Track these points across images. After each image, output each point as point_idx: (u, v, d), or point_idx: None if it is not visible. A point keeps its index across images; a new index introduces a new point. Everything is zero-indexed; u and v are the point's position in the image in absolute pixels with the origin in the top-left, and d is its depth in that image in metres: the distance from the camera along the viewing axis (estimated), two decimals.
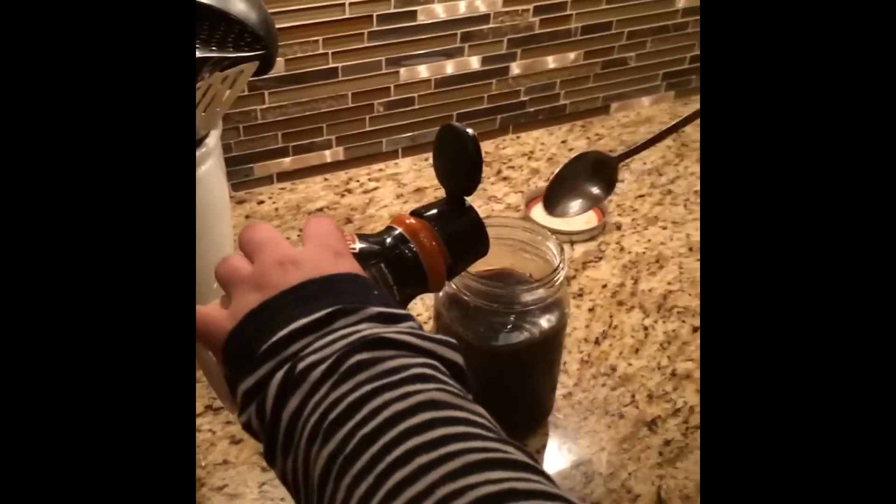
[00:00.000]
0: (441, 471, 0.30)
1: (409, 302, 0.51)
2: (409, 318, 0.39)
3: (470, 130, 0.49)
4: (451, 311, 0.61)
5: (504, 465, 0.31)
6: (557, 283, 0.59)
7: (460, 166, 0.51)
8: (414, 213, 0.51)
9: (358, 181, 0.96)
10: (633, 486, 0.65)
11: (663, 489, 0.64)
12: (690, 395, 0.72)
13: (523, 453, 0.32)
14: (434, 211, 0.51)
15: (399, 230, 0.50)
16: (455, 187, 0.52)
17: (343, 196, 0.94)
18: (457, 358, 0.38)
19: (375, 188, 0.95)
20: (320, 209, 0.92)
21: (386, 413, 0.32)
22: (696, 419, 0.70)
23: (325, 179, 0.96)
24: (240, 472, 0.64)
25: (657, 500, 0.64)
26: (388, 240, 0.49)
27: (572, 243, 0.88)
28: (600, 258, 0.87)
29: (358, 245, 0.49)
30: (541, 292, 0.59)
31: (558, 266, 0.59)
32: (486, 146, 1.04)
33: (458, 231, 0.51)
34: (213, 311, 0.40)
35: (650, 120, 1.10)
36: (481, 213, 0.52)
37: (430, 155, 1.02)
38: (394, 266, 0.49)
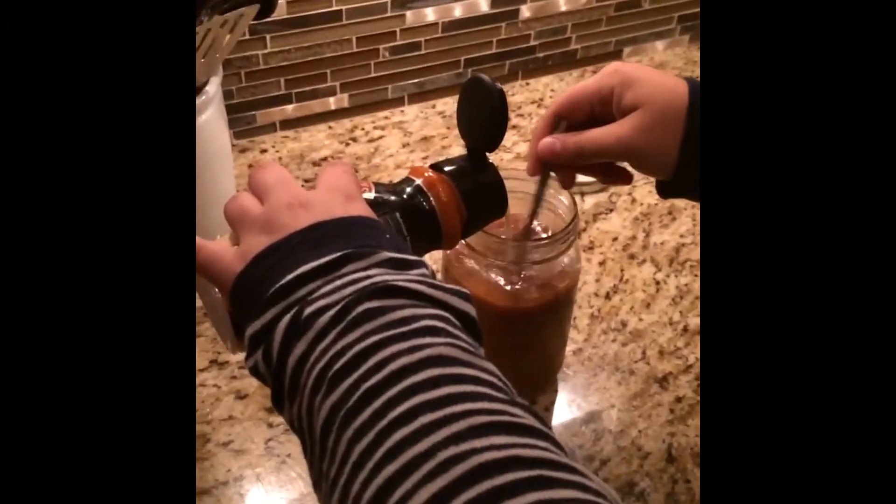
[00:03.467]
0: (445, 432, 0.28)
1: (421, 257, 0.50)
2: (421, 264, 0.38)
3: (498, 84, 0.47)
4: (460, 266, 0.60)
5: (510, 429, 0.29)
6: (570, 238, 0.57)
7: (484, 121, 0.49)
8: (434, 167, 0.49)
9: (363, 129, 0.94)
10: (643, 443, 0.64)
11: (674, 447, 0.64)
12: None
13: (532, 415, 0.31)
14: (454, 166, 0.49)
15: (417, 181, 0.48)
16: (477, 142, 0.50)
17: (347, 145, 0.92)
18: (469, 309, 0.37)
19: (381, 137, 0.93)
20: (324, 159, 0.89)
21: (392, 366, 0.31)
22: None
23: (330, 128, 0.94)
24: (245, 427, 0.63)
25: (668, 457, 0.63)
26: (406, 190, 0.48)
27: (582, 195, 0.86)
28: (611, 210, 0.85)
29: (373, 193, 0.47)
30: (553, 248, 0.57)
31: (572, 221, 0.57)
32: None
33: (478, 189, 0.49)
34: (220, 248, 0.39)
35: (664, 65, 1.07)
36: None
37: (437, 102, 1.00)
38: (408, 217, 0.47)
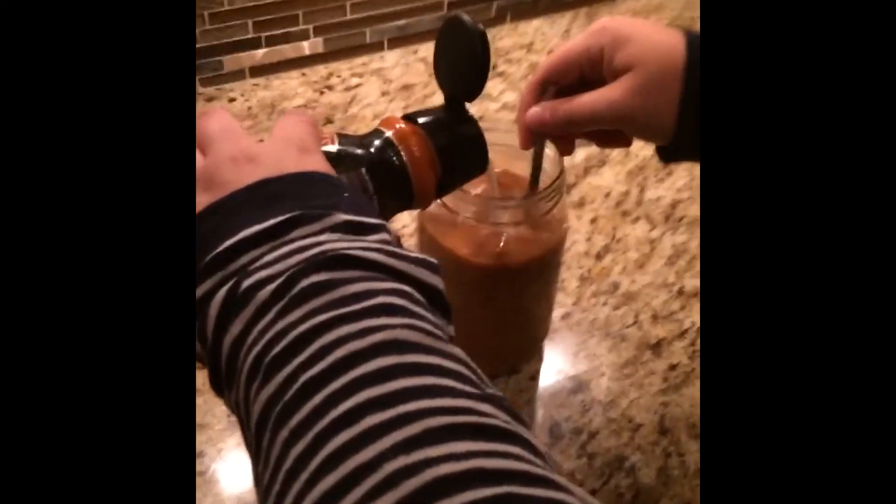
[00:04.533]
0: (395, 437, 0.24)
1: (390, 217, 0.45)
2: (382, 228, 0.33)
3: (479, 26, 0.42)
4: (437, 225, 0.54)
5: (475, 433, 0.25)
6: (556, 196, 0.52)
7: (463, 67, 0.44)
8: (407, 118, 0.44)
9: (339, 76, 0.88)
10: (634, 414, 0.60)
11: (667, 418, 0.60)
12: (698, 315, 0.66)
13: (504, 411, 0.26)
14: (430, 117, 0.44)
15: (387, 133, 0.43)
16: (456, 91, 0.45)
17: (322, 93, 0.86)
18: (436, 282, 0.32)
19: (358, 84, 0.87)
20: (298, 108, 0.83)
21: (338, 353, 0.26)
22: None
23: (303, 74, 0.88)
24: (206, 400, 0.59)
25: (660, 429, 0.59)
26: (374, 142, 0.43)
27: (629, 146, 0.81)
28: (604, 163, 0.80)
29: (336, 146, 0.42)
30: (538, 206, 0.52)
31: (557, 177, 0.52)
32: None
33: (455, 143, 0.44)
34: None
35: (661, 7, 1.00)
36: (473, 113, 0.45)
37: (419, 47, 0.94)
38: (376, 173, 0.42)
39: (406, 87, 0.87)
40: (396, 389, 0.25)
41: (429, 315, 0.30)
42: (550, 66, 0.47)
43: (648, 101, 0.43)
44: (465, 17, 0.43)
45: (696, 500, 0.55)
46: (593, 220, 0.74)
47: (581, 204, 0.75)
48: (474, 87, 0.44)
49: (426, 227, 0.55)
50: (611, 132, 0.48)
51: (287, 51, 0.87)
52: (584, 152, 0.80)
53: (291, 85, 0.86)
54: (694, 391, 0.61)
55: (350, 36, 0.88)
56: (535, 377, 0.62)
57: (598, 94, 0.44)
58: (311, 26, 0.86)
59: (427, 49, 0.92)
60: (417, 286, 0.31)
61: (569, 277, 0.69)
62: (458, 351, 0.29)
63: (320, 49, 0.88)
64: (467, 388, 0.27)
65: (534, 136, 0.48)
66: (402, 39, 0.92)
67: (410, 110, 0.46)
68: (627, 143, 0.49)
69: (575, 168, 0.79)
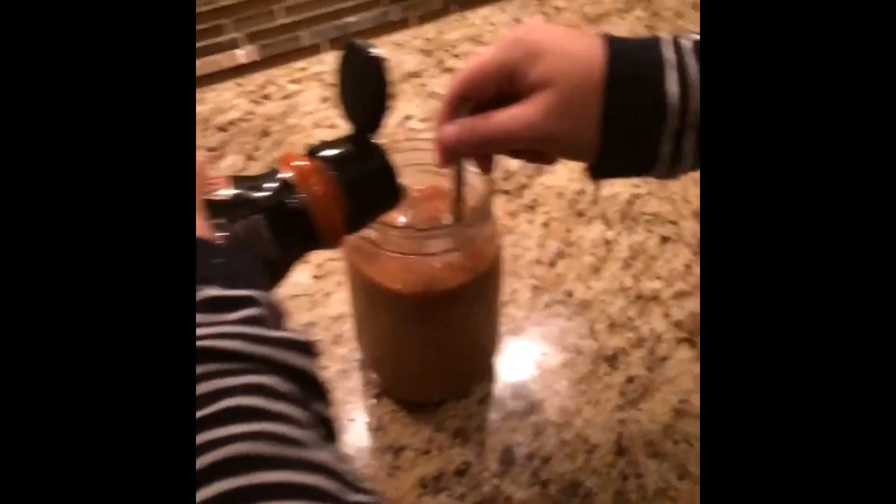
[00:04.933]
0: None
1: (297, 260, 0.41)
2: (249, 302, 0.29)
3: (377, 51, 0.38)
4: (361, 255, 0.51)
5: None
6: (484, 219, 0.49)
7: (365, 95, 0.40)
8: (310, 152, 0.41)
9: (276, 84, 0.84)
10: (589, 434, 0.56)
11: (624, 436, 0.56)
12: (657, 321, 0.63)
13: None
14: (334, 151, 0.41)
15: (286, 174, 0.39)
16: (359, 121, 0.41)
17: (259, 104, 0.82)
18: (304, 364, 0.29)
19: (297, 91, 0.83)
20: (233, 122, 0.79)
21: None
22: (663, 349, 0.61)
23: (238, 85, 0.84)
24: None
25: (617, 449, 0.56)
26: (271, 185, 0.39)
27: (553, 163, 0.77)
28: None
29: (229, 191, 0.39)
30: (465, 232, 0.48)
31: (485, 200, 0.48)
32: (427, 30, 0.90)
33: (361, 178, 0.41)
34: None
35: None
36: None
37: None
38: (275, 217, 0.39)
39: None
40: None
41: (291, 411, 0.27)
42: (464, 80, 0.43)
43: (567, 120, 0.40)
44: (362, 43, 0.39)
45: None
46: (546, 224, 0.70)
47: (532, 207, 0.72)
48: (375, 118, 0.41)
49: (350, 258, 0.52)
50: (533, 150, 0.45)
51: (222, 60, 0.83)
52: None
53: (226, 97, 0.82)
54: (652, 405, 0.58)
55: (286, 41, 0.84)
56: (484, 400, 0.59)
57: (515, 112, 0.40)
58: (241, 34, 0.81)
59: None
60: (283, 373, 0.28)
61: (521, 288, 0.65)
62: (321, 455, 0.25)
63: (256, 56, 0.84)
64: None
65: (452, 156, 0.44)
66: (342, 39, 0.87)
67: None
68: (552, 160, 0.45)
69: (526, 168, 0.75)
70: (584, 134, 0.39)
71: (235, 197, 0.38)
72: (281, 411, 0.26)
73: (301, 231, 0.40)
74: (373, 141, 0.42)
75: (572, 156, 0.42)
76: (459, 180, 0.46)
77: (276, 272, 0.40)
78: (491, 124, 0.41)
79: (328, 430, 0.29)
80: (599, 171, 0.42)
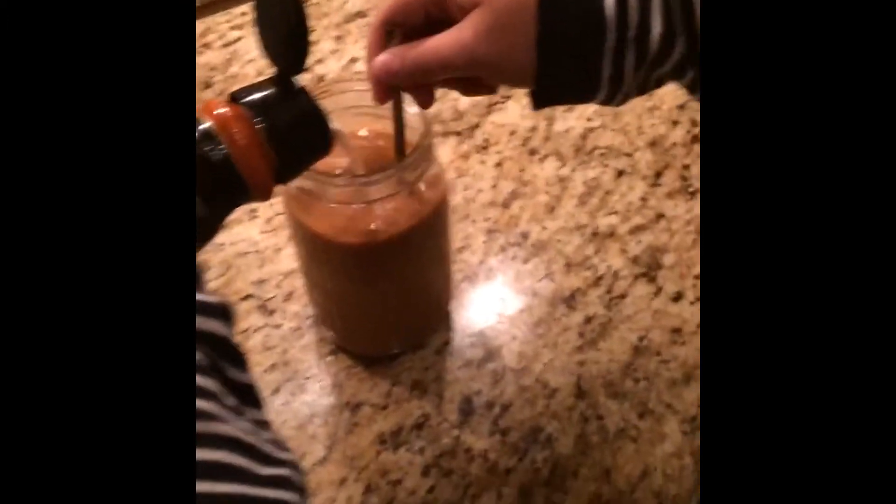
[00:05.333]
0: None
1: (226, 216, 0.39)
2: None
3: None
4: (300, 206, 0.49)
5: None
6: (425, 160, 0.47)
7: (282, 36, 0.38)
8: (232, 97, 0.38)
9: (216, 32, 0.80)
10: (548, 379, 0.56)
11: (583, 378, 0.56)
12: (613, 258, 0.62)
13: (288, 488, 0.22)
14: (256, 95, 0.38)
15: (206, 124, 0.37)
16: (279, 63, 0.39)
17: (199, 54, 0.78)
18: (214, 328, 0.27)
19: (238, 39, 0.79)
20: None
21: None
22: (620, 286, 0.60)
23: None
24: None
25: (577, 392, 0.55)
26: None
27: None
28: (508, 97, 0.74)
29: None
30: (403, 176, 0.47)
31: (420, 143, 0.46)
32: None
33: (287, 123, 0.39)
34: None
35: None
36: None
37: None
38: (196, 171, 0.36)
39: None
40: None
41: (198, 379, 0.25)
42: (391, 7, 0.40)
43: (501, 41, 0.38)
44: None
45: (615, 464, 0.52)
46: (499, 164, 0.68)
47: (485, 147, 0.70)
48: (296, 60, 0.38)
49: (290, 208, 0.50)
50: (471, 78, 0.43)
51: None
52: None
53: None
54: (611, 344, 0.57)
55: None
56: (441, 350, 0.58)
57: (447, 36, 0.38)
58: None
59: None
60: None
61: (474, 232, 0.64)
62: (227, 428, 0.24)
63: (195, 2, 0.80)
64: (218, 488, 0.22)
65: (388, 90, 0.42)
66: None
67: None
68: (491, 89, 0.43)
69: (477, 107, 0.73)
70: (519, 56, 0.37)
71: None
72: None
73: (226, 184, 0.37)
74: (297, 84, 0.39)
75: (509, 80, 0.40)
76: (398, 116, 0.44)
77: (203, 229, 0.38)
78: (422, 50, 0.39)
79: (245, 395, 0.28)
80: (541, 97, 0.40)
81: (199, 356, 0.26)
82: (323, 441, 0.53)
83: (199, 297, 0.27)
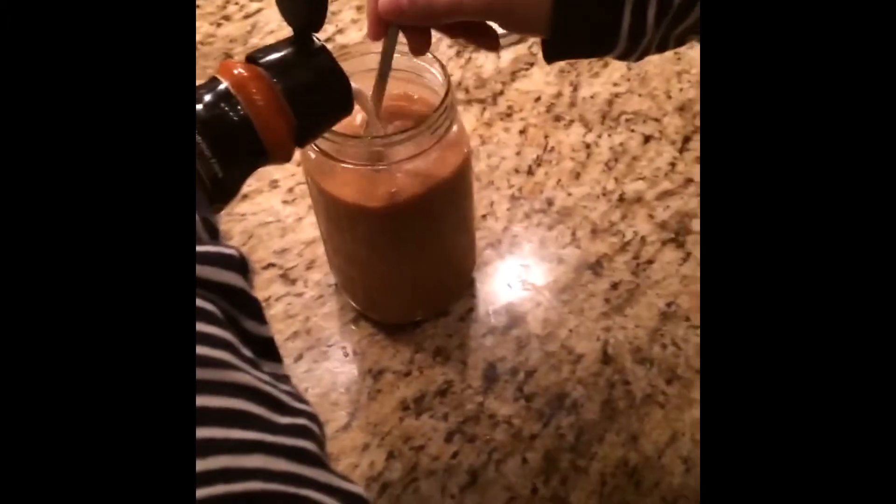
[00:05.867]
0: None
1: (245, 177, 0.39)
2: None
3: None
4: (319, 171, 0.48)
5: None
6: (445, 122, 0.46)
7: None
8: (249, 58, 0.38)
9: (237, 3, 0.80)
10: (574, 345, 0.55)
11: (610, 344, 0.55)
12: (641, 223, 0.61)
13: (291, 457, 0.21)
14: (274, 55, 0.38)
15: (223, 83, 0.37)
16: (298, 20, 0.38)
17: (219, 25, 0.78)
18: (230, 279, 0.26)
19: (259, 10, 0.79)
20: None
21: None
22: (647, 252, 0.59)
23: (198, 7, 0.79)
24: None
25: (603, 357, 0.54)
26: (207, 97, 0.36)
27: (497, 50, 0.73)
28: (532, 64, 0.72)
29: None
30: (424, 139, 0.46)
31: (443, 103, 0.45)
32: None
33: (305, 82, 0.38)
34: None
35: None
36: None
37: None
38: (212, 132, 0.36)
39: None
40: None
41: (212, 330, 0.24)
42: None
43: None
44: None
45: (643, 430, 0.51)
46: (523, 131, 0.67)
47: (509, 114, 0.68)
48: (316, 16, 0.38)
49: (311, 174, 0.49)
50: (476, 26, 0.41)
51: None
52: (510, 54, 0.73)
53: None
54: (638, 310, 0.56)
55: None
56: (465, 317, 0.57)
57: None
58: None
59: None
60: (205, 289, 0.26)
61: (498, 200, 0.63)
62: (245, 377, 0.23)
63: None
64: (234, 434, 0.21)
65: (386, 28, 0.41)
66: None
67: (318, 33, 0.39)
68: (494, 45, 0.42)
69: (501, 74, 0.71)
70: (534, 1, 0.36)
71: None
72: (199, 331, 0.24)
73: (244, 145, 0.37)
74: (316, 42, 0.39)
75: (522, 27, 0.39)
76: (387, 56, 0.43)
77: (222, 191, 0.38)
78: None
79: (263, 349, 0.27)
80: (554, 47, 0.39)
81: (214, 307, 0.25)
82: (346, 408, 0.53)
83: (214, 247, 0.27)
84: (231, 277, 0.26)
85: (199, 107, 0.36)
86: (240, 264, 0.27)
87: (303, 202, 0.63)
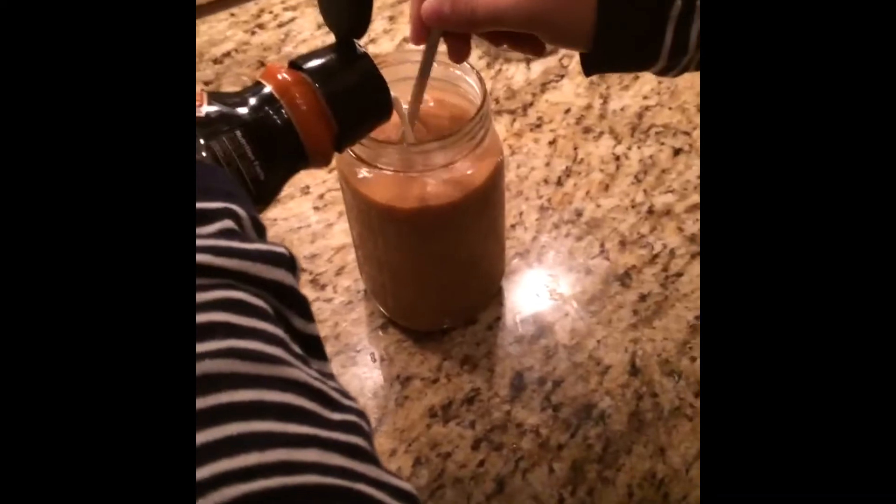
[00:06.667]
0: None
1: (286, 181, 0.39)
2: (223, 214, 0.27)
3: None
4: (355, 175, 0.49)
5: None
6: (481, 132, 0.46)
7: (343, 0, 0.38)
8: (292, 64, 0.38)
9: (271, 12, 0.81)
10: (602, 356, 0.55)
11: (638, 355, 0.55)
12: (670, 236, 0.61)
13: (342, 452, 0.22)
14: (317, 61, 0.38)
15: (267, 87, 0.37)
16: (341, 27, 0.39)
17: (254, 34, 0.79)
18: (279, 276, 0.27)
19: (292, 20, 0.80)
20: (227, 54, 0.77)
21: None
22: (676, 265, 0.59)
23: (232, 15, 0.81)
24: None
25: (631, 369, 0.54)
26: (252, 100, 0.37)
27: (528, 61, 0.73)
28: (562, 76, 0.73)
29: (206, 108, 0.37)
30: (459, 147, 0.46)
31: (479, 111, 0.45)
32: None
33: (346, 88, 0.38)
34: None
35: None
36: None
37: None
38: (255, 135, 0.37)
39: None
40: (201, 443, 0.21)
41: (264, 326, 0.25)
42: None
43: (561, 1, 0.37)
44: None
45: (671, 442, 0.50)
46: (552, 143, 0.67)
47: (538, 125, 0.69)
48: (359, 21, 0.38)
49: (345, 177, 0.49)
50: (520, 35, 0.42)
51: None
52: (541, 65, 0.73)
53: (220, 28, 0.79)
54: (667, 322, 0.56)
55: None
56: (493, 326, 0.57)
57: None
58: None
59: None
60: (258, 286, 0.26)
61: (527, 210, 0.63)
62: (296, 373, 0.24)
63: None
64: (290, 428, 0.22)
65: (428, 32, 0.42)
66: None
67: None
68: (539, 51, 0.42)
69: (531, 86, 0.72)
70: (579, 15, 0.36)
71: (212, 114, 0.36)
72: (253, 327, 0.24)
73: (286, 148, 0.38)
74: (359, 49, 0.39)
75: (564, 41, 0.39)
76: (428, 60, 0.43)
77: (263, 192, 0.39)
78: (477, 0, 0.38)
79: (310, 347, 0.28)
80: (595, 61, 0.39)
81: (265, 304, 0.26)
82: (373, 413, 0.53)
83: (265, 245, 0.27)
84: (281, 275, 0.26)
85: (244, 110, 0.37)
86: (289, 262, 0.27)
87: (333, 208, 0.64)
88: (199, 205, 0.27)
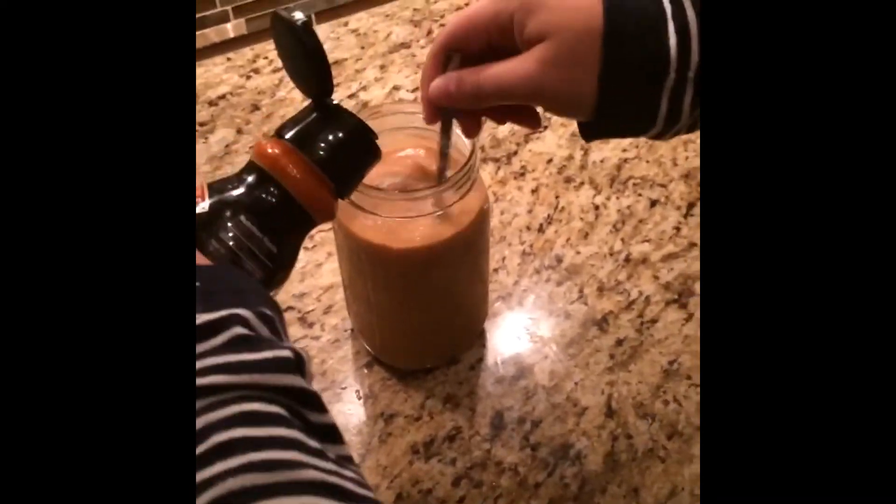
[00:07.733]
0: None
1: (300, 245, 0.41)
2: (233, 320, 0.29)
3: (298, 15, 0.37)
4: (347, 215, 0.51)
5: None
6: (467, 181, 0.49)
7: (303, 63, 0.40)
8: (277, 134, 0.40)
9: (266, 58, 0.84)
10: (579, 397, 0.57)
11: (614, 398, 0.57)
12: (645, 284, 0.63)
13: None
14: (297, 127, 0.40)
15: (260, 166, 0.39)
16: (310, 88, 0.41)
17: (249, 78, 0.81)
18: (292, 382, 0.29)
19: None
20: (222, 96, 0.79)
21: None
22: (651, 311, 0.62)
23: (228, 59, 0.83)
24: None
25: (607, 411, 0.56)
26: (249, 179, 0.39)
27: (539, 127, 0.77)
28: (545, 127, 0.76)
29: (208, 201, 0.38)
30: (448, 195, 0.49)
31: (467, 162, 0.48)
32: (415, 0, 0.89)
33: (332, 145, 0.40)
34: None
35: None
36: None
37: (349, 19, 0.89)
38: (259, 213, 0.38)
39: (337, 63, 0.82)
40: None
41: (280, 432, 0.27)
42: (454, 31, 0.41)
43: (564, 74, 0.38)
44: (285, 14, 0.38)
45: (644, 483, 0.52)
46: (535, 191, 0.70)
47: (522, 174, 0.72)
48: (321, 82, 0.40)
49: (338, 217, 0.52)
50: (519, 108, 0.44)
51: (210, 35, 0.83)
52: None
53: (216, 72, 0.82)
54: (642, 366, 0.58)
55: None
56: (475, 366, 0.59)
57: (510, 65, 0.39)
58: (229, 7, 0.81)
59: (358, 20, 0.87)
60: (270, 393, 0.28)
61: (510, 255, 0.66)
62: (313, 473, 0.26)
63: (244, 30, 0.84)
64: None
65: (440, 112, 0.44)
66: (330, 12, 0.87)
67: (342, 87, 0.41)
68: (537, 124, 0.45)
69: (514, 136, 0.75)
70: (580, 89, 0.38)
71: (214, 205, 0.38)
72: (269, 435, 0.26)
73: (290, 217, 0.39)
74: (333, 104, 0.41)
75: (567, 111, 0.40)
76: (446, 139, 0.46)
77: (280, 263, 0.40)
78: (483, 76, 0.40)
79: (327, 435, 0.29)
80: (594, 130, 0.41)
81: (279, 409, 0.27)
82: (357, 449, 0.55)
83: (271, 353, 0.28)
84: (290, 380, 0.28)
85: (243, 192, 0.38)
86: (296, 365, 0.29)
87: (322, 249, 0.66)
88: (204, 317, 0.28)
